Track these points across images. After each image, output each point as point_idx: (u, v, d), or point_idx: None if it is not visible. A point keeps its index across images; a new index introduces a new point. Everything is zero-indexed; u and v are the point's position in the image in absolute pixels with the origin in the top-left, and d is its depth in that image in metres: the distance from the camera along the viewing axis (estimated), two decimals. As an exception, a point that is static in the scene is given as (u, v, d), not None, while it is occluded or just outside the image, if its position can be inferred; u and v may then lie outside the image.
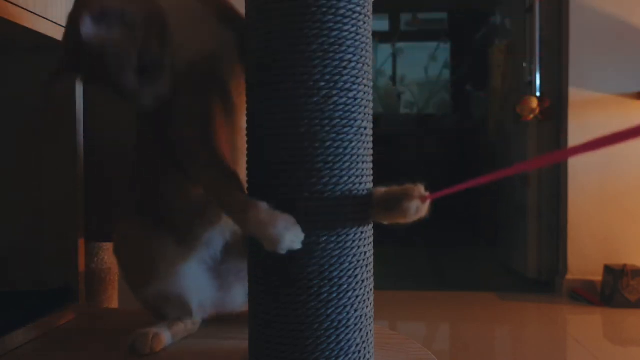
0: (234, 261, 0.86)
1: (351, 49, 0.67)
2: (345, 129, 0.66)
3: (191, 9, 0.74)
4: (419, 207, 0.67)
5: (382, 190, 0.70)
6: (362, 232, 0.68)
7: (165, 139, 0.76)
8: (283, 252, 0.62)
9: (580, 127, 2.71)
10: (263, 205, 0.64)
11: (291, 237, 0.62)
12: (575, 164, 2.72)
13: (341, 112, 0.66)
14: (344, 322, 0.66)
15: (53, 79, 0.73)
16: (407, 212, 0.67)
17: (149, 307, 0.88)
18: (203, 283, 0.85)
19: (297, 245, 0.63)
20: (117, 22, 0.66)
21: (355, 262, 0.67)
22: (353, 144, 0.67)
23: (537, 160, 0.84)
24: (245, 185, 0.73)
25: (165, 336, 0.83)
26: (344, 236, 0.66)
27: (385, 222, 0.70)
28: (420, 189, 0.67)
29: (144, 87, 0.69)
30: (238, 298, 0.89)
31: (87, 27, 0.63)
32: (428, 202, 0.67)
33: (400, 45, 5.25)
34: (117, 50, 0.66)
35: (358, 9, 0.67)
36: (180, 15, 0.72)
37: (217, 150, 0.73)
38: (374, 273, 0.72)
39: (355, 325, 0.68)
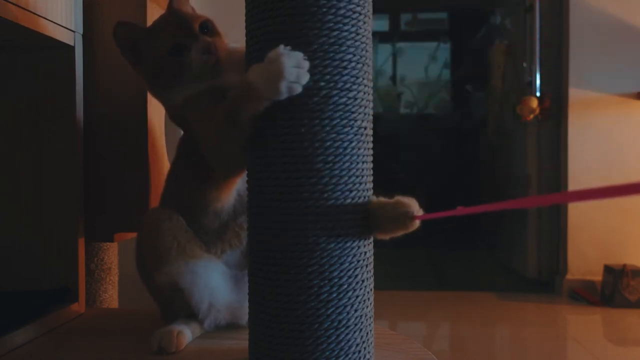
0: None
1: (351, 49, 0.67)
2: (345, 129, 0.66)
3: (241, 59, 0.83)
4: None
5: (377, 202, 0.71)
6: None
7: (198, 159, 0.82)
8: (290, 85, 0.63)
9: (580, 127, 2.71)
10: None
11: (292, 62, 0.62)
12: (575, 163, 2.72)
13: (341, 112, 0.66)
14: (344, 322, 0.66)
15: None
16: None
17: (161, 299, 0.89)
18: (217, 283, 0.85)
19: (304, 79, 0.63)
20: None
21: (355, 262, 0.67)
22: (353, 144, 0.67)
23: (534, 199, 0.84)
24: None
25: (187, 333, 0.83)
26: (344, 236, 0.66)
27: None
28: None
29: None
30: None
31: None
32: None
33: (400, 45, 5.25)
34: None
35: (358, 9, 0.67)
36: (234, 59, 0.83)
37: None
38: (374, 273, 0.72)
39: (355, 325, 0.68)
